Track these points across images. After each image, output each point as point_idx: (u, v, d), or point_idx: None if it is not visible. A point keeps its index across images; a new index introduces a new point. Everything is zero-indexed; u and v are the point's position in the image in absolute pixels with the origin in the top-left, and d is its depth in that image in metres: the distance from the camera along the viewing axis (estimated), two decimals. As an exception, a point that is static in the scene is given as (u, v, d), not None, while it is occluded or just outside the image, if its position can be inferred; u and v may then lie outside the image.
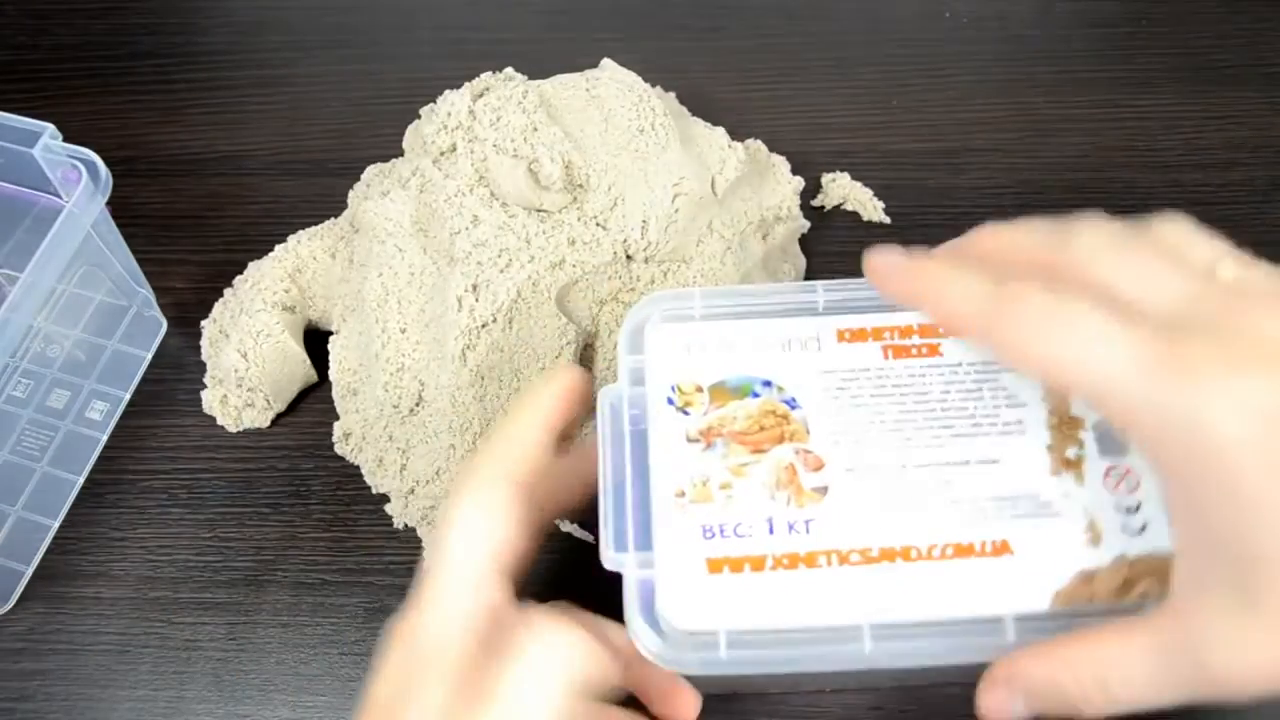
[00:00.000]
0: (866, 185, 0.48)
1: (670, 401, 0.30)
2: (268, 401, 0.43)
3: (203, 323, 0.45)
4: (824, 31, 0.55)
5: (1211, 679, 0.24)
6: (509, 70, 0.46)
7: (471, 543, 0.29)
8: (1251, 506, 0.22)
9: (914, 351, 0.30)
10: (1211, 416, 0.22)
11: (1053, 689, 0.26)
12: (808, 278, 0.46)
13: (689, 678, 0.31)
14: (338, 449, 0.42)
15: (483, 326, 0.39)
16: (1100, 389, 0.23)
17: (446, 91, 0.43)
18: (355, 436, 0.42)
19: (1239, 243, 0.50)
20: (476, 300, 0.39)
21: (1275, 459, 0.22)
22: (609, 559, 0.28)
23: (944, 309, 0.26)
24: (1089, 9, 0.55)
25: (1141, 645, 0.25)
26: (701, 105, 0.46)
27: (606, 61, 0.43)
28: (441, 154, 0.42)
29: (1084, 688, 0.25)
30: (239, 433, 0.43)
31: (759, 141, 0.48)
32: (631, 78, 0.42)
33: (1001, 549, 0.28)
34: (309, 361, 0.43)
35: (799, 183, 0.46)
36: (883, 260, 0.28)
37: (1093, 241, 0.26)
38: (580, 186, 0.40)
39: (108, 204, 0.38)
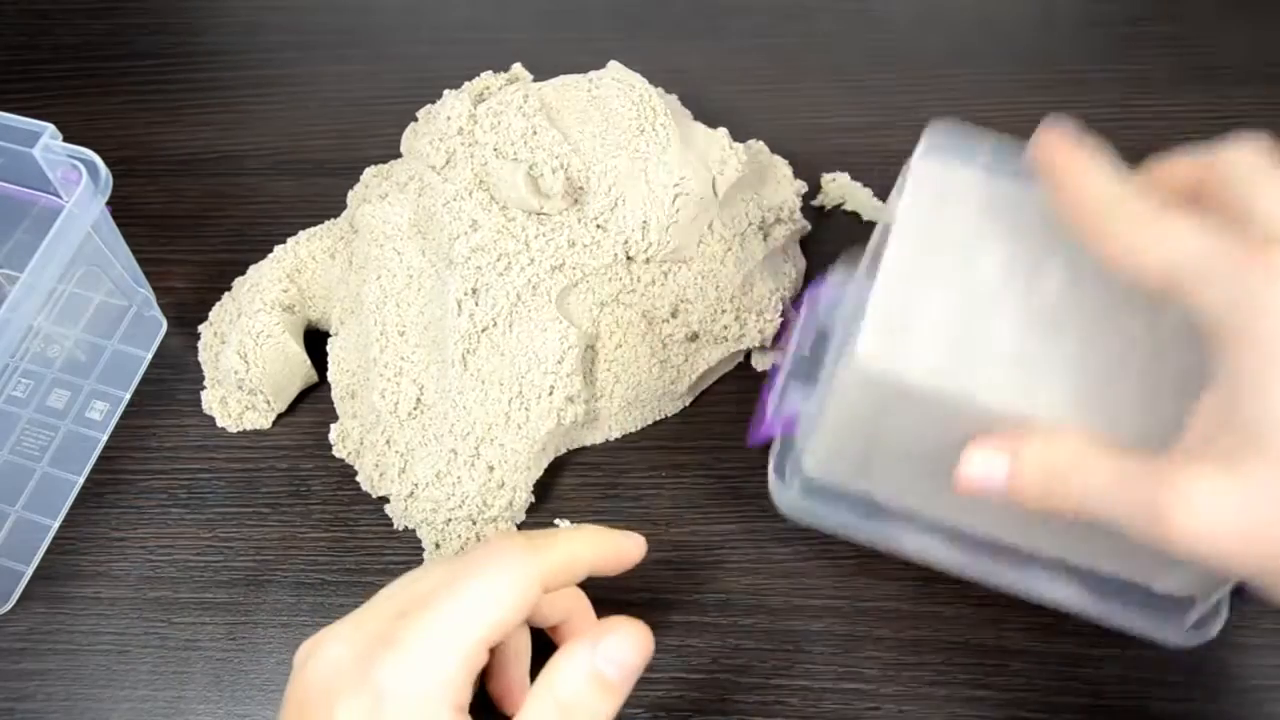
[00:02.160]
0: (866, 185, 0.48)
1: None
2: (268, 403, 0.43)
3: (200, 327, 0.45)
4: (824, 32, 0.55)
5: (1161, 523, 0.25)
6: (517, 67, 0.46)
7: None
8: (1272, 392, 0.24)
9: None
10: (1274, 305, 0.24)
11: (1035, 468, 0.28)
12: (807, 278, 0.46)
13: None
14: (335, 451, 0.42)
15: (483, 331, 0.39)
16: (1183, 274, 0.25)
17: (446, 92, 0.43)
18: (353, 439, 0.42)
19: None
20: (476, 304, 0.39)
21: None
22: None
23: (1075, 191, 0.28)
24: (1089, 9, 0.55)
25: (1123, 468, 0.26)
26: (701, 106, 0.46)
27: (613, 64, 0.43)
28: (442, 165, 0.42)
29: (1055, 478, 0.27)
30: (239, 433, 0.43)
31: (760, 142, 0.48)
32: (635, 79, 0.42)
33: None
34: (309, 362, 0.43)
35: (801, 186, 0.46)
36: (1059, 132, 0.29)
37: (1236, 163, 0.27)
38: (580, 188, 0.40)
39: (108, 204, 0.38)
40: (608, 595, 0.39)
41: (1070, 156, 0.28)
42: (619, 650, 0.29)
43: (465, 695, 0.28)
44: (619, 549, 0.32)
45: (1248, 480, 0.24)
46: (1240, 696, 0.36)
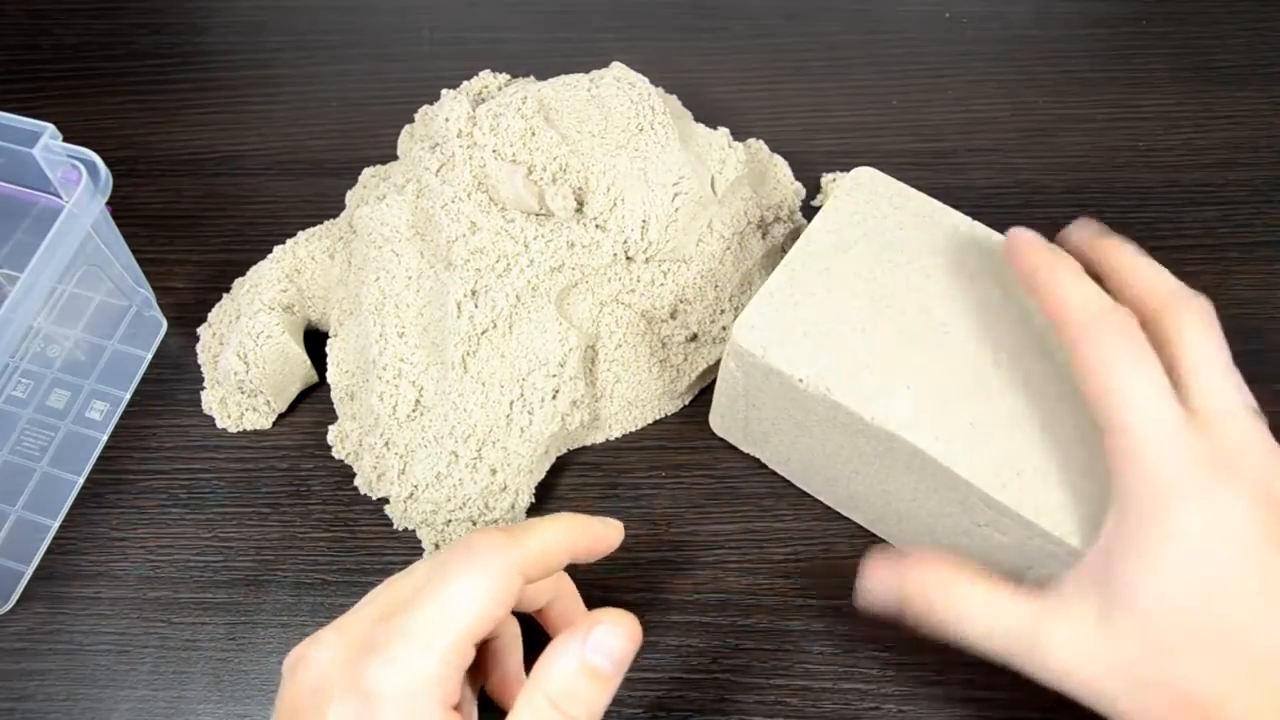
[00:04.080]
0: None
1: None
2: (268, 403, 0.43)
3: (199, 329, 0.45)
4: (824, 31, 0.55)
5: (1042, 663, 0.30)
6: (505, 76, 0.46)
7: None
8: (1148, 555, 0.28)
9: None
10: (1184, 495, 0.28)
11: (921, 597, 0.32)
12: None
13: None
14: (334, 452, 0.42)
15: (482, 333, 0.39)
16: (1127, 425, 0.29)
17: (445, 92, 0.43)
18: (352, 440, 0.42)
19: (1239, 242, 0.50)
20: (476, 306, 0.39)
21: (1192, 549, 0.28)
22: None
23: (1058, 305, 0.31)
24: (1089, 9, 0.55)
25: (1007, 609, 0.30)
26: (701, 105, 0.46)
27: (616, 64, 0.43)
28: (439, 169, 0.42)
29: (946, 609, 0.31)
30: (239, 433, 0.43)
31: (760, 141, 0.48)
32: (636, 78, 0.42)
33: None
34: (309, 362, 0.43)
35: (800, 186, 0.46)
36: (1026, 240, 0.33)
37: (1191, 321, 0.30)
38: (579, 188, 0.40)
39: (108, 204, 0.38)
40: (608, 595, 0.39)
41: (1046, 267, 0.32)
42: (609, 640, 0.29)
43: (455, 693, 0.28)
44: (596, 535, 0.32)
45: (1114, 635, 0.28)
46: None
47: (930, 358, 0.34)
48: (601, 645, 0.29)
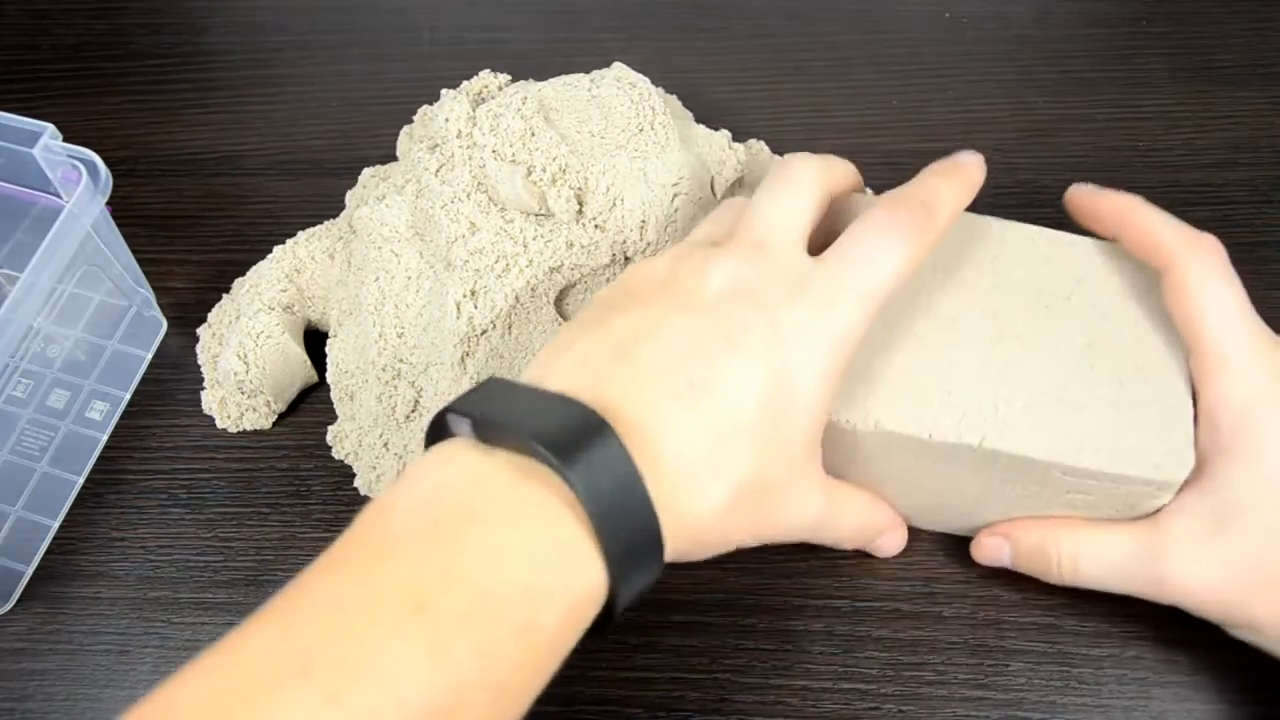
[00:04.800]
0: (866, 185, 0.48)
1: None
2: (268, 404, 0.43)
3: (199, 329, 0.45)
4: (824, 31, 0.55)
5: (1162, 584, 0.32)
6: (505, 76, 0.46)
7: None
8: (1250, 458, 0.30)
9: None
10: (1273, 400, 0.31)
11: (1037, 552, 0.35)
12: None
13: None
14: (334, 452, 0.42)
15: (481, 333, 0.39)
16: (1219, 341, 0.31)
17: (444, 92, 0.43)
18: (351, 440, 0.42)
19: (1239, 243, 0.50)
20: (475, 307, 0.39)
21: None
22: None
23: (1148, 235, 0.33)
24: (1089, 9, 0.55)
25: (1120, 542, 0.33)
26: (701, 105, 0.46)
27: (618, 64, 0.43)
28: (439, 169, 0.42)
29: (1061, 559, 0.34)
30: (239, 433, 0.43)
31: (761, 142, 0.48)
32: (637, 78, 0.42)
33: None
34: (309, 362, 0.43)
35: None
36: (1091, 188, 0.35)
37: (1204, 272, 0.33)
38: (579, 189, 0.40)
39: (108, 204, 0.38)
40: (608, 595, 0.39)
41: (1122, 205, 0.34)
42: (892, 540, 0.38)
43: None
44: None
45: (1232, 541, 0.30)
46: (1239, 696, 0.36)
47: (958, 356, 0.34)
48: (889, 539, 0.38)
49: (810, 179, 0.33)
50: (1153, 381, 0.33)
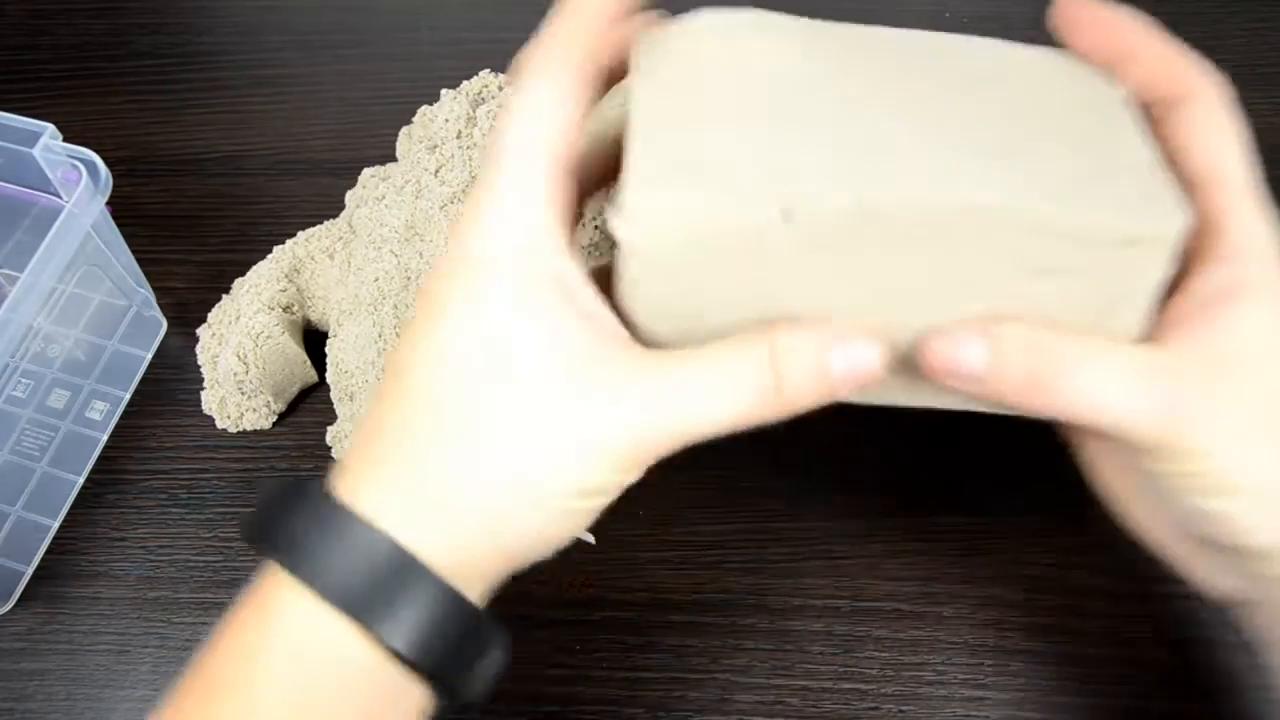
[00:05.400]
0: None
1: None
2: (268, 404, 0.43)
3: (198, 330, 0.45)
4: (824, 31, 0.55)
5: (1175, 414, 0.24)
6: (505, 76, 0.46)
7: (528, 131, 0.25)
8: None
9: None
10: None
11: (1020, 352, 0.24)
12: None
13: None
14: (334, 452, 0.42)
15: (482, 328, 0.39)
16: (1246, 175, 0.27)
17: (444, 93, 0.43)
18: (350, 441, 0.42)
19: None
20: (476, 301, 0.39)
21: None
22: None
23: (1173, 55, 0.28)
24: (1089, 9, 0.55)
25: (1132, 353, 0.24)
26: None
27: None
28: (438, 169, 0.42)
29: (1061, 363, 0.24)
30: (239, 433, 0.43)
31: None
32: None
33: None
34: (309, 362, 0.43)
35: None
36: (1086, 9, 0.28)
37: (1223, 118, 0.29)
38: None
39: (108, 204, 0.38)
40: (608, 595, 0.39)
41: (1125, 27, 0.28)
42: (860, 356, 0.25)
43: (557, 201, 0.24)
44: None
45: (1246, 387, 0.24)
46: (1239, 696, 0.36)
47: (875, 131, 0.26)
48: (852, 353, 0.24)
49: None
50: (1111, 149, 0.26)
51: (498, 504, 0.24)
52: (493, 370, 0.24)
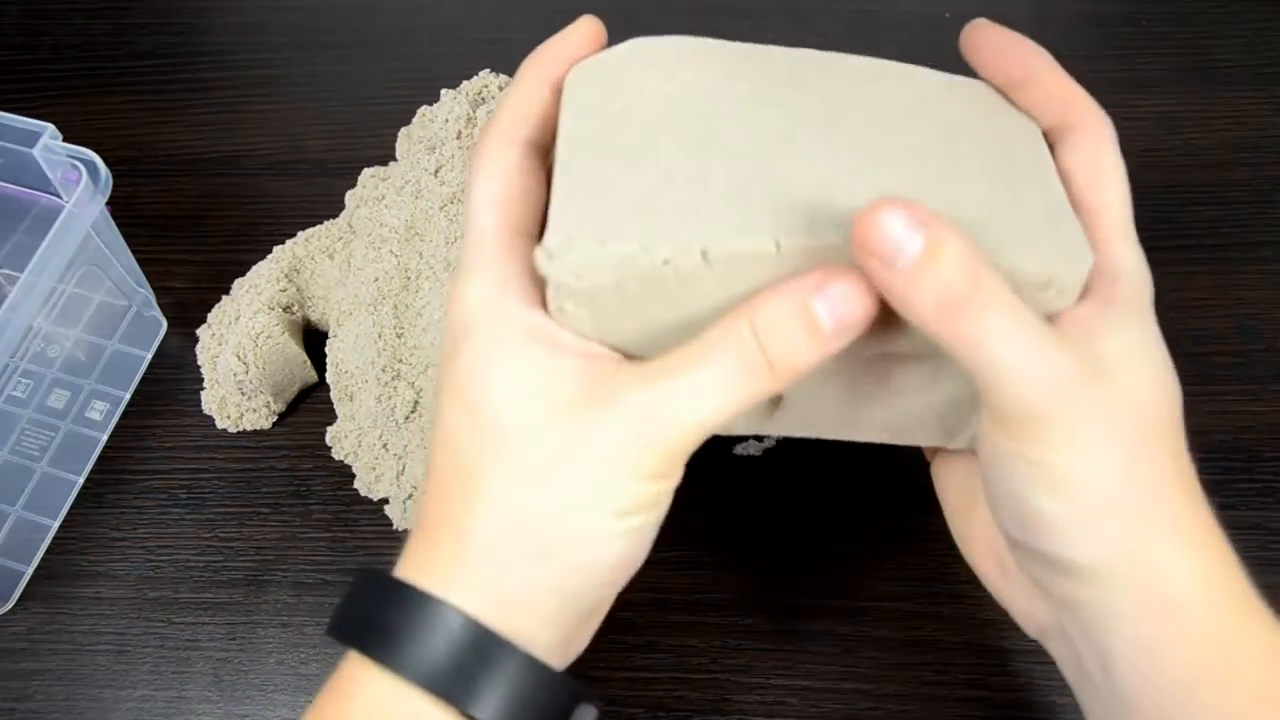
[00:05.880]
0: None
1: None
2: (268, 404, 0.43)
3: (198, 330, 0.45)
4: (824, 31, 0.55)
5: (1053, 404, 0.24)
6: (505, 76, 0.46)
7: (489, 206, 0.27)
8: (1144, 329, 0.26)
9: None
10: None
11: (961, 270, 0.23)
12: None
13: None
14: (334, 452, 0.42)
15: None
16: (1121, 205, 0.28)
17: (444, 93, 0.43)
18: (350, 441, 0.42)
19: (1239, 243, 0.50)
20: (476, 301, 0.39)
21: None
22: None
23: (1066, 85, 0.28)
24: (1089, 9, 0.55)
25: (1048, 337, 0.24)
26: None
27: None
28: (438, 170, 0.42)
29: (977, 295, 0.23)
30: (239, 433, 0.43)
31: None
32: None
33: None
34: (309, 362, 0.43)
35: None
36: (993, 29, 0.29)
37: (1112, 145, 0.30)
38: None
39: (108, 204, 0.38)
40: (608, 595, 0.39)
41: (1033, 54, 0.29)
42: (842, 300, 0.24)
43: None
44: (580, 41, 0.31)
45: (1108, 393, 0.25)
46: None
47: (796, 166, 0.26)
48: (832, 297, 0.24)
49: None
50: (1025, 187, 0.27)
51: (538, 550, 0.25)
52: (489, 427, 0.25)
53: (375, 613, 0.25)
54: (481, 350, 0.25)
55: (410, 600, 0.25)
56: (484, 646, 0.24)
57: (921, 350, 0.28)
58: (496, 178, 0.27)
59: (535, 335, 0.25)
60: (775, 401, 0.30)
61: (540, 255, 0.25)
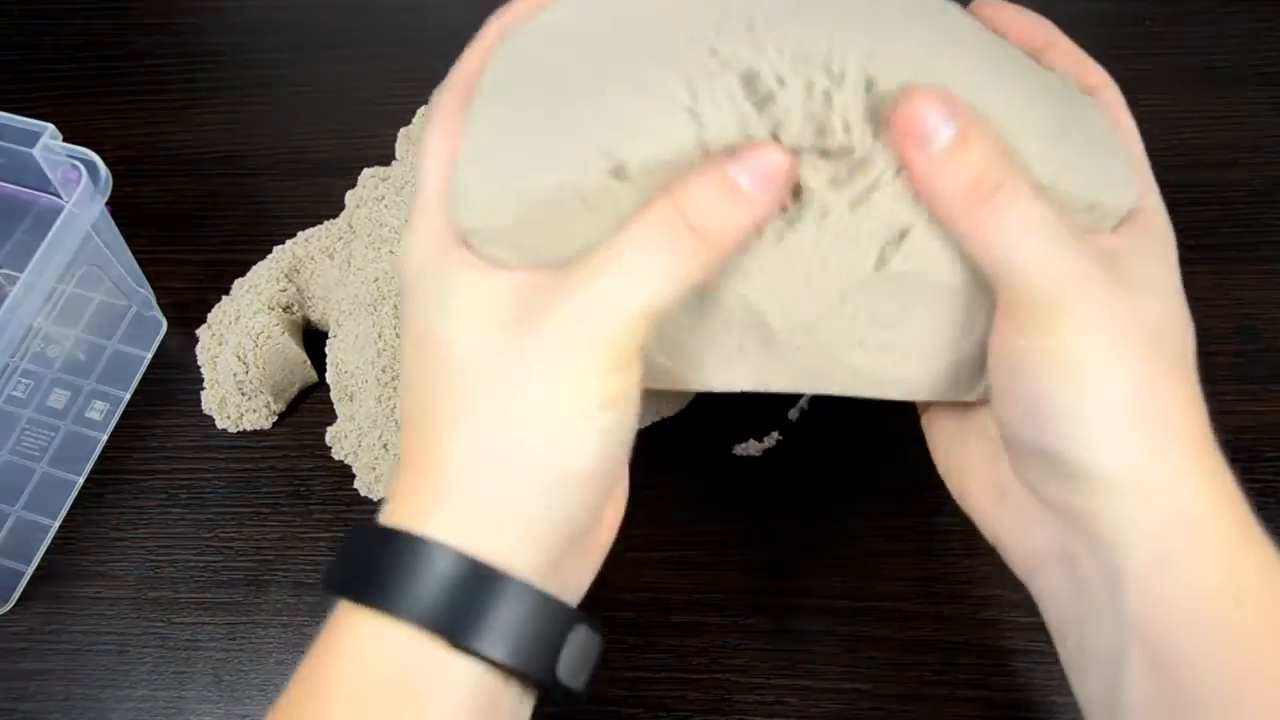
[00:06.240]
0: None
1: None
2: (268, 404, 0.43)
3: (198, 330, 0.45)
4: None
5: (1072, 296, 0.24)
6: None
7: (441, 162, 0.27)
8: (1165, 260, 0.28)
9: None
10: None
11: (989, 162, 0.24)
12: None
13: None
14: (334, 452, 0.42)
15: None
16: (1140, 158, 0.30)
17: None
18: (350, 441, 0.42)
19: (1239, 243, 0.50)
20: (476, 301, 0.39)
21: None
22: None
23: (1080, 53, 0.31)
24: (1090, 9, 0.55)
25: (1073, 233, 0.25)
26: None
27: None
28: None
29: (1004, 187, 0.24)
30: (239, 433, 0.43)
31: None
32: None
33: None
34: (309, 362, 0.43)
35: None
36: (1004, 10, 0.31)
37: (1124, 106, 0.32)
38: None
39: (108, 204, 0.38)
40: (608, 595, 0.39)
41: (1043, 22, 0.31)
42: (756, 158, 0.24)
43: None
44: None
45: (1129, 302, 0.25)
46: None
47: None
48: (747, 160, 0.24)
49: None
50: (1080, 113, 0.27)
51: (507, 463, 0.25)
52: (439, 357, 0.25)
53: (360, 559, 0.25)
54: (426, 290, 0.26)
55: (390, 541, 0.25)
56: (464, 572, 0.24)
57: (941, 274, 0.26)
58: (448, 136, 0.27)
59: (472, 264, 0.26)
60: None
61: (449, 206, 0.25)
